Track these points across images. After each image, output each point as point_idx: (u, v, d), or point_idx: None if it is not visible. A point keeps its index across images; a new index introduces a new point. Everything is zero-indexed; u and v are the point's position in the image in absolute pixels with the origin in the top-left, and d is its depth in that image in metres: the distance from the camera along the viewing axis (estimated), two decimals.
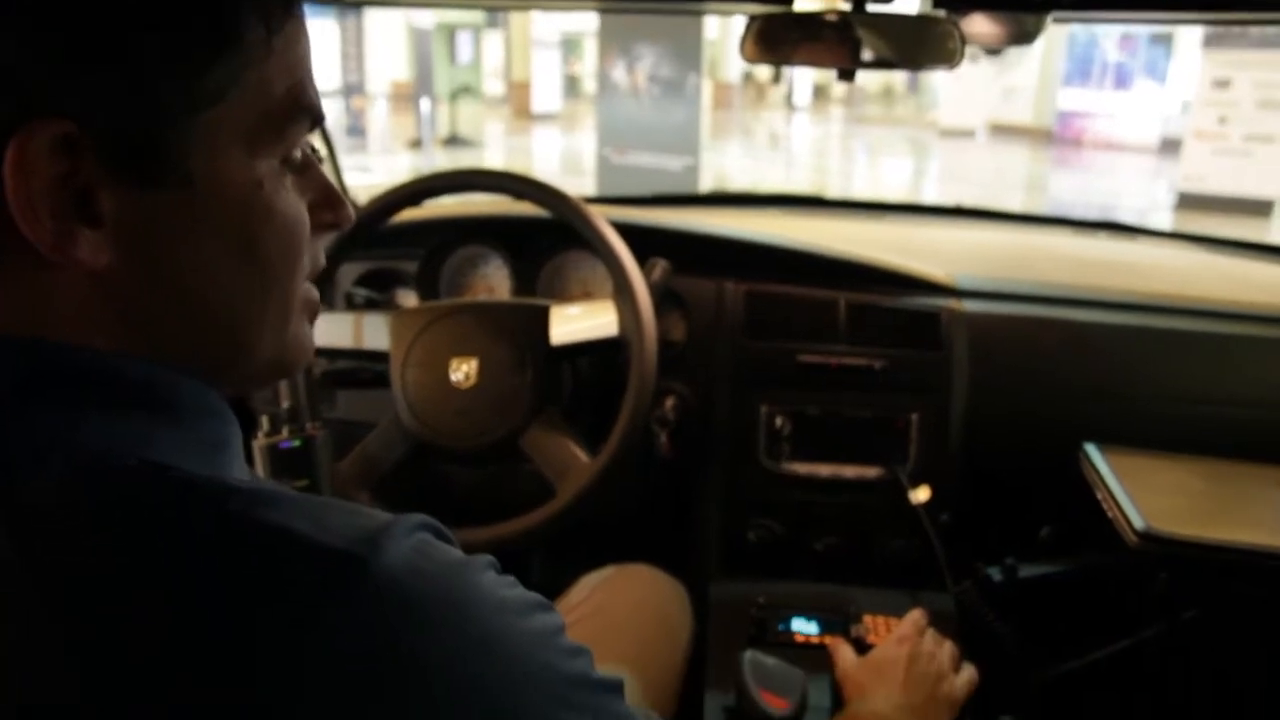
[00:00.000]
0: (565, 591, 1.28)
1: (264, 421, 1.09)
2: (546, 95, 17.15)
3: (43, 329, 0.45)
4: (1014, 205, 10.26)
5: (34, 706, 0.40)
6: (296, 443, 1.10)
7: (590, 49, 16.44)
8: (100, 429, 0.45)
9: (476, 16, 14.66)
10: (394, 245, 1.48)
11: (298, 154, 0.52)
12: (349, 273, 1.49)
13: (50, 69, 0.42)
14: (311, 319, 0.58)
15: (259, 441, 1.09)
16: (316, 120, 0.52)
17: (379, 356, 1.26)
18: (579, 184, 8.96)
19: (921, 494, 1.31)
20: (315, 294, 0.58)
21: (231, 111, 0.46)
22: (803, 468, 1.36)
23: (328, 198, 0.56)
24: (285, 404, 1.11)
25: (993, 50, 1.15)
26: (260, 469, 1.10)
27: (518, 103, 17.79)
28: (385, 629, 0.42)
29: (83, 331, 0.46)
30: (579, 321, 1.21)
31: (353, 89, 13.59)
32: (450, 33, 13.60)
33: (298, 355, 0.56)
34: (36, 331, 0.45)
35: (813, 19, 1.08)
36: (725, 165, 12.47)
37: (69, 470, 0.43)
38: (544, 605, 0.51)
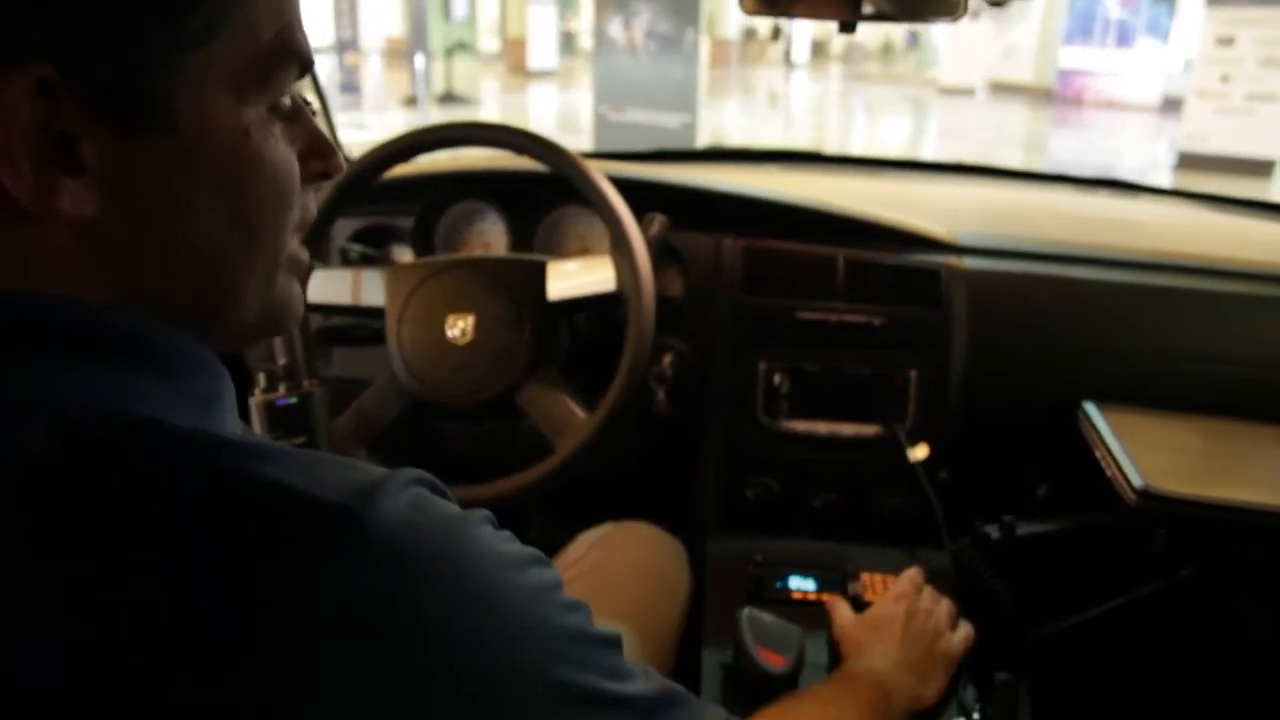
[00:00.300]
0: (563, 549, 1.29)
1: (261, 378, 1.08)
2: (542, 52, 16.97)
3: (28, 283, 0.44)
4: (1014, 165, 10.20)
5: (31, 658, 0.39)
6: (294, 400, 1.09)
7: (587, 4, 16.27)
8: (89, 383, 0.44)
9: None
10: (389, 201, 1.46)
11: (286, 101, 0.51)
12: (344, 229, 1.48)
13: (27, 11, 0.40)
14: (301, 279, 0.57)
15: (256, 398, 1.08)
16: (305, 66, 0.50)
17: (374, 313, 1.25)
18: (576, 142, 8.86)
19: (920, 452, 1.31)
20: (304, 255, 0.57)
21: (218, 55, 0.45)
22: (801, 425, 1.36)
23: (318, 146, 0.54)
24: (282, 361, 1.10)
25: (995, 2, 1.13)
26: (257, 426, 1.10)
27: (513, 59, 17.62)
28: (380, 584, 0.42)
29: (69, 285, 0.45)
30: (576, 277, 1.20)
31: (346, 45, 13.44)
32: None
33: (286, 313, 0.56)
34: (21, 285, 0.44)
35: None
36: (723, 123, 12.38)
37: (57, 424, 0.42)
38: (541, 560, 0.50)
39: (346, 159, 1.61)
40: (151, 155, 0.45)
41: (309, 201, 0.56)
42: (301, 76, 0.51)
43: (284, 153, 0.51)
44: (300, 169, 0.53)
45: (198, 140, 0.46)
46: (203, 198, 0.47)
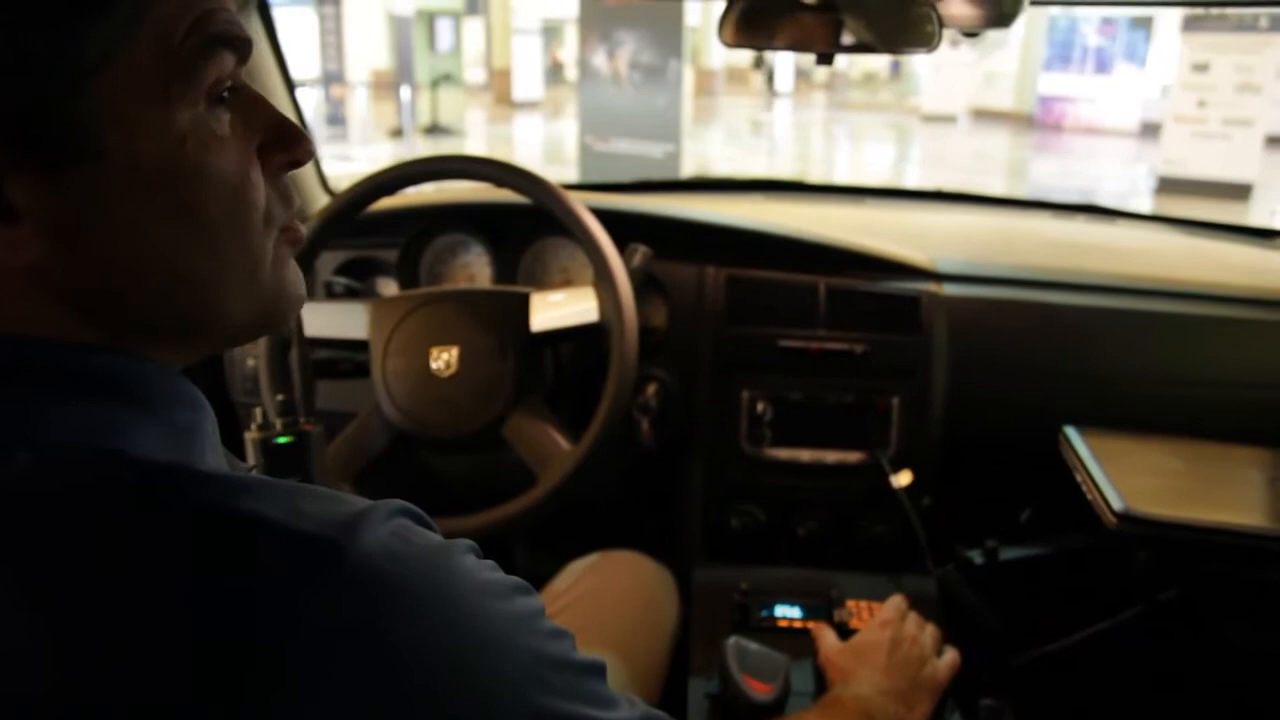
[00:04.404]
0: (551, 579, 1.28)
1: (258, 414, 1.07)
2: (528, 83, 17.06)
3: None
4: (995, 190, 10.29)
5: (7, 699, 0.39)
6: (290, 438, 1.07)
7: (571, 36, 16.38)
8: (65, 420, 0.44)
9: (456, 3, 14.57)
10: (373, 234, 1.47)
11: (226, 85, 0.47)
12: (328, 262, 1.48)
13: None
14: (293, 249, 0.54)
15: (252, 434, 1.06)
16: (237, 48, 0.47)
17: (359, 346, 1.25)
18: (561, 172, 8.94)
19: (903, 478, 1.32)
20: (297, 228, 0.54)
21: (129, 68, 0.43)
22: (784, 453, 1.36)
23: (280, 134, 0.51)
24: (280, 397, 1.09)
25: (970, 33, 1.15)
26: (252, 463, 1.08)
27: (499, 90, 17.70)
28: (363, 614, 0.42)
29: (35, 324, 0.45)
30: (559, 308, 1.21)
31: (332, 77, 13.47)
32: (430, 20, 13.51)
33: (284, 304, 0.53)
34: None
35: (793, 2, 1.07)
36: (707, 152, 12.45)
37: (34, 463, 0.42)
38: (524, 588, 0.50)
39: (332, 192, 1.62)
40: (86, 187, 0.43)
41: (285, 189, 0.53)
42: (241, 60, 0.48)
43: (230, 152, 0.48)
44: (263, 161, 0.50)
45: (129, 161, 0.43)
46: (151, 218, 0.45)
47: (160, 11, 0.43)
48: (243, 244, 0.49)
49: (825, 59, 1.14)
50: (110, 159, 0.43)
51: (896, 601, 1.13)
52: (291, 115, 1.57)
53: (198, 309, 0.49)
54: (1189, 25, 9.81)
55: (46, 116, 0.41)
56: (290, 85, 1.55)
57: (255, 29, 1.44)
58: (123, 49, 0.42)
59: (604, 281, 1.18)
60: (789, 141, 14.92)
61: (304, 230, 0.54)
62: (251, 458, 1.06)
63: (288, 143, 0.51)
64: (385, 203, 1.29)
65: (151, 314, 0.48)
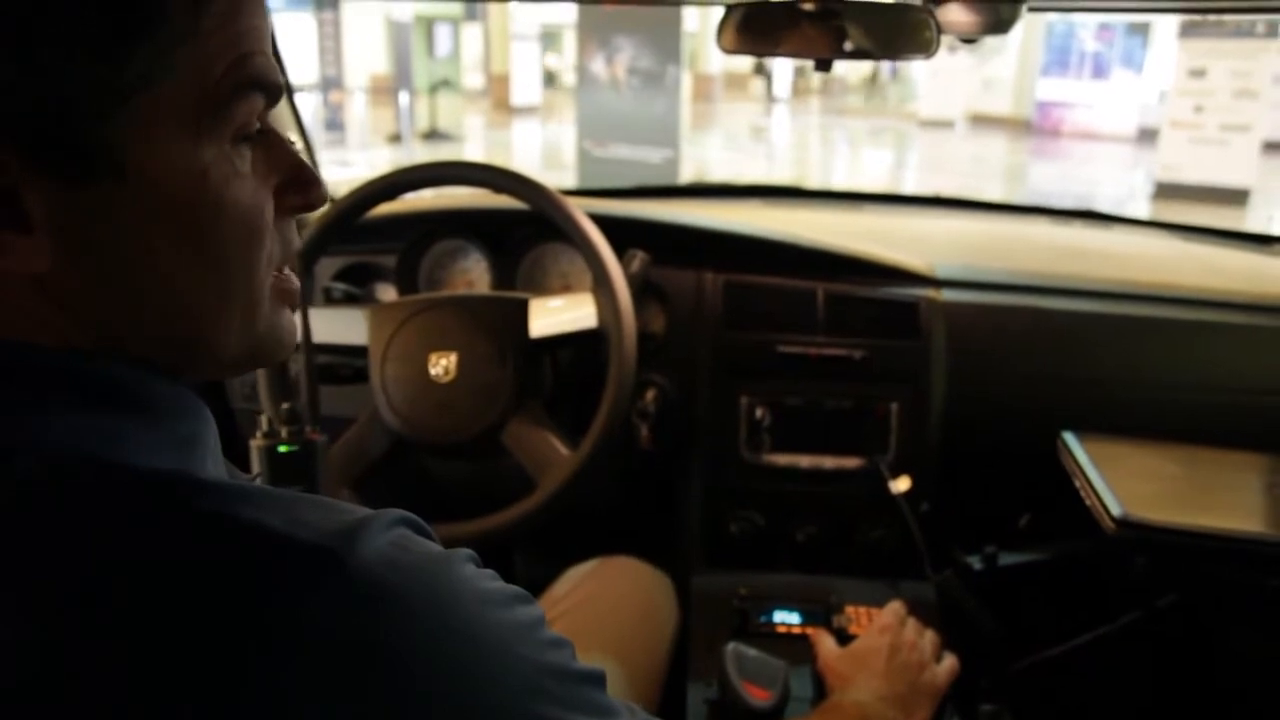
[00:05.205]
0: (550, 585, 1.28)
1: (263, 421, 1.07)
2: (526, 88, 17.09)
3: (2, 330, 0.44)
4: (993, 195, 10.31)
5: (6, 702, 0.39)
6: (295, 447, 1.06)
7: (570, 41, 16.41)
8: (67, 428, 0.44)
9: (455, 9, 14.60)
10: (372, 239, 1.47)
11: (254, 126, 0.48)
12: (327, 267, 1.48)
13: None
14: (291, 307, 0.55)
15: (257, 442, 1.06)
16: (270, 93, 0.48)
17: (358, 351, 1.25)
18: (560, 178, 8.94)
19: (901, 484, 1.32)
20: (293, 282, 0.55)
21: (164, 97, 0.43)
22: (783, 459, 1.36)
23: (297, 177, 0.52)
24: (284, 405, 1.08)
25: (968, 39, 1.15)
26: (256, 470, 1.08)
27: (497, 95, 17.74)
28: (363, 624, 0.42)
29: (37, 333, 0.45)
30: (558, 314, 1.21)
31: (331, 83, 13.49)
32: (429, 26, 13.54)
33: (274, 346, 0.54)
34: None
35: (792, 8, 1.08)
36: (706, 158, 12.46)
37: (34, 470, 0.42)
38: (524, 597, 0.50)
39: (330, 197, 1.62)
40: (102, 205, 0.43)
41: (290, 234, 0.54)
42: (270, 104, 0.49)
43: (249, 189, 0.48)
44: (277, 202, 0.51)
45: (150, 186, 0.44)
46: (163, 243, 0.46)
47: (201, 48, 0.44)
48: (247, 278, 0.49)
49: (824, 65, 1.15)
50: (131, 181, 0.43)
51: (895, 607, 1.14)
52: (292, 118, 1.58)
53: (196, 340, 0.49)
54: (1186, 31, 9.83)
55: (75, 133, 0.42)
56: (290, 91, 1.56)
57: None
58: (159, 79, 0.43)
59: (602, 287, 1.19)
60: (787, 147, 14.94)
61: (295, 282, 0.55)
62: (256, 466, 1.06)
63: (303, 187, 0.52)
64: (384, 208, 1.29)
65: (153, 336, 0.48)
